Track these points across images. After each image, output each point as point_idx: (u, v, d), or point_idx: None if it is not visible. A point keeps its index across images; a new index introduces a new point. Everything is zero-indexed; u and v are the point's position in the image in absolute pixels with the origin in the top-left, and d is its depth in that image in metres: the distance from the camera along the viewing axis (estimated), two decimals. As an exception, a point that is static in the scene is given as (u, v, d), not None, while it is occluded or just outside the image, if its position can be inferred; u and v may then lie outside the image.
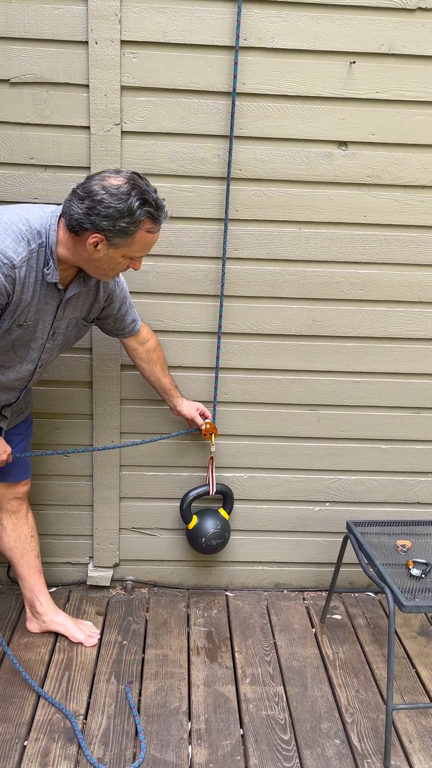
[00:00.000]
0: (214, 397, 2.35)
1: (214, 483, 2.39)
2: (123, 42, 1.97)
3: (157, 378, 2.18)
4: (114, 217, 1.55)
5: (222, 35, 1.98)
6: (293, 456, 2.47)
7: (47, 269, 1.65)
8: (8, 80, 2.00)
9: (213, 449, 2.36)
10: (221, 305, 2.24)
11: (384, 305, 2.30)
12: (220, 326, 2.27)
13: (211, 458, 2.37)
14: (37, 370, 1.86)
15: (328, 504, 2.54)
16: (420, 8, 1.99)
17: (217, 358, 2.30)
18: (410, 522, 2.29)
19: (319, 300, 2.28)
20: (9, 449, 1.90)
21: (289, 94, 2.05)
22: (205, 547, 2.39)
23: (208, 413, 2.31)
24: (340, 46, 2.01)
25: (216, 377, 2.32)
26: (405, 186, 2.17)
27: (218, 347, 2.29)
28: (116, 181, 1.57)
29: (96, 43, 1.95)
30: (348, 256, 2.23)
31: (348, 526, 2.23)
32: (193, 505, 2.43)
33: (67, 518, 2.51)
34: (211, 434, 2.31)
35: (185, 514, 2.40)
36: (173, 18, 1.96)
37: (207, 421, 2.31)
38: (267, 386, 2.37)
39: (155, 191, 1.62)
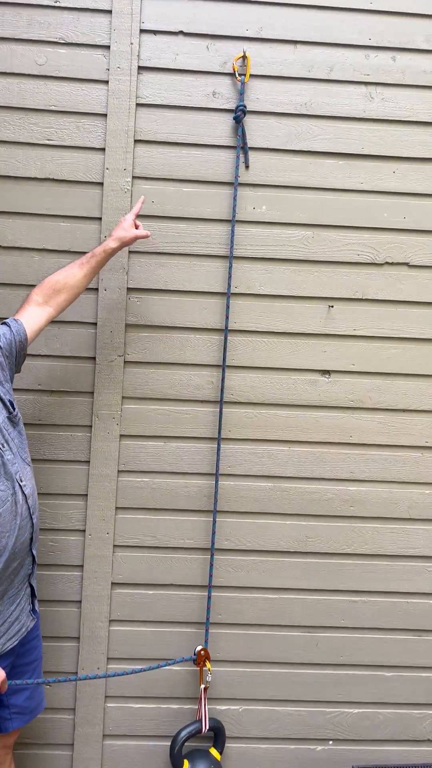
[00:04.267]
0: (207, 619, 2.25)
1: (207, 718, 2.20)
2: (129, 289, 2.24)
3: (77, 279, 1.95)
4: None
5: (215, 283, 2.26)
6: (291, 685, 2.30)
7: None
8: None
9: (209, 678, 2.20)
10: (214, 521, 2.26)
11: (376, 522, 2.32)
12: (213, 542, 2.26)
13: (205, 688, 2.21)
14: (21, 485, 1.76)
15: (331, 742, 2.31)
16: (387, 263, 2.31)
17: (210, 576, 2.25)
18: (422, 766, 2.08)
19: (312, 516, 2.31)
20: (3, 674, 1.73)
21: (275, 331, 2.28)
22: None
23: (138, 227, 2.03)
24: (319, 293, 2.29)
25: (209, 597, 2.25)
26: (386, 409, 2.32)
27: (211, 564, 2.26)
28: None
29: (105, 290, 2.22)
30: (337, 473, 2.31)
31: (354, 772, 2.01)
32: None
33: (45, 761, 2.25)
34: (204, 661, 2.18)
35: (176, 759, 2.14)
36: (173, 270, 2.25)
37: (200, 647, 2.19)
38: (261, 606, 2.30)
39: None
